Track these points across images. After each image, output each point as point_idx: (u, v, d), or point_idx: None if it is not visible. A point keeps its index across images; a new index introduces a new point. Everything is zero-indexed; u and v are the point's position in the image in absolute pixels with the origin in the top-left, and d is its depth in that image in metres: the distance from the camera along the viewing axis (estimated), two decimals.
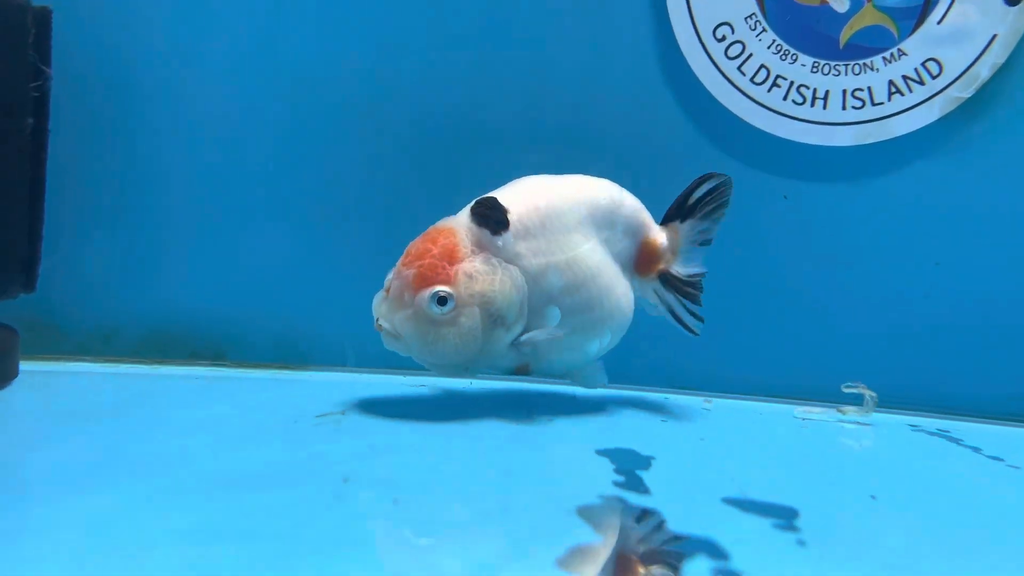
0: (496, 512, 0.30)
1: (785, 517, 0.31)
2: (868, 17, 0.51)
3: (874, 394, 0.49)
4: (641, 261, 0.46)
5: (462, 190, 0.44)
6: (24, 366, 0.46)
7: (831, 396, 0.50)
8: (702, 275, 0.47)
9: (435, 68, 0.53)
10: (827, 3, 0.51)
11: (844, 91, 0.51)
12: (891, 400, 0.51)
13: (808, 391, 0.52)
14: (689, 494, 0.34)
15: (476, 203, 0.43)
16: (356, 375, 0.52)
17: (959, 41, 0.50)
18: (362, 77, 0.53)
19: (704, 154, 0.52)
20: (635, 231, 0.46)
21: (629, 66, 0.52)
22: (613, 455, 0.37)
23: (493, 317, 0.41)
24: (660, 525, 0.29)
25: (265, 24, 0.53)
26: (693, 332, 0.47)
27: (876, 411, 0.49)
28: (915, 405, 0.52)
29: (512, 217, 0.42)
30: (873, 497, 0.35)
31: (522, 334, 0.42)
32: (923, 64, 0.50)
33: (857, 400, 0.49)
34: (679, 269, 0.47)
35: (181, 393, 0.46)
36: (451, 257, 0.41)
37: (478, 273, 0.41)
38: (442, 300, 0.40)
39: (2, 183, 0.43)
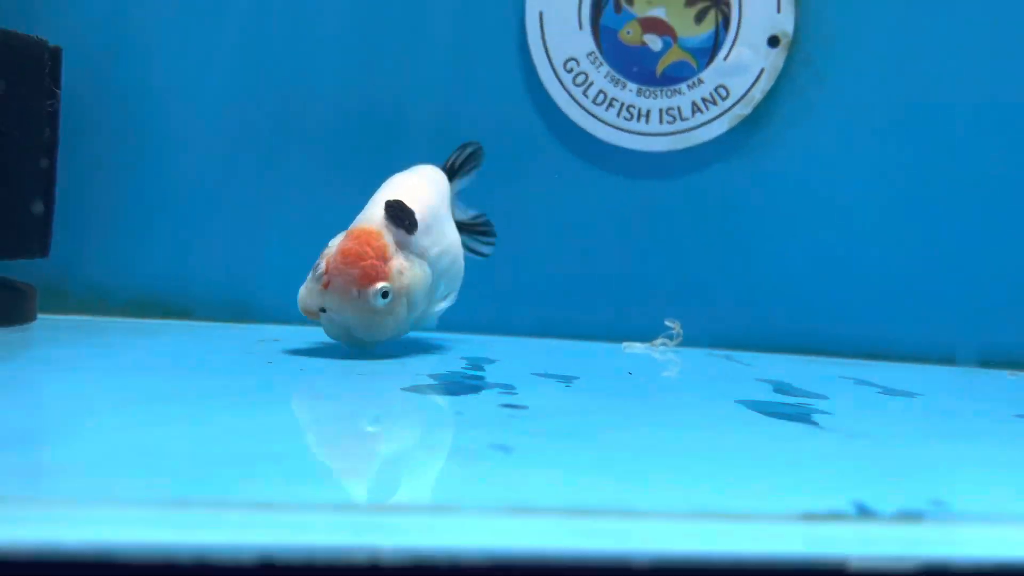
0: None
1: (567, 380, 0.47)
2: (675, 55, 0.68)
3: (680, 330, 0.66)
4: None
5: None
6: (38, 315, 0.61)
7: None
8: (482, 215, 0.61)
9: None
10: (645, 44, 0.68)
11: (660, 110, 0.69)
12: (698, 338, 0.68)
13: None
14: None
15: (389, 207, 0.50)
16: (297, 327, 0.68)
17: (739, 72, 0.68)
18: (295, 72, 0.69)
19: (558, 158, 0.69)
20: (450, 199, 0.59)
21: (501, 89, 0.69)
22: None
23: (413, 303, 0.50)
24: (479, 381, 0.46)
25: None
26: (485, 255, 0.61)
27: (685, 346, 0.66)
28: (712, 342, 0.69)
29: (420, 220, 0.51)
30: (630, 373, 0.51)
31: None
32: (715, 89, 0.68)
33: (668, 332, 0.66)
34: (461, 216, 0.60)
35: (161, 332, 0.61)
36: (384, 257, 0.48)
37: (405, 269, 0.49)
38: (385, 294, 0.47)
39: (26, 176, 0.57)
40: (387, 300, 0.48)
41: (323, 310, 0.48)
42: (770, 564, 0.24)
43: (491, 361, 0.53)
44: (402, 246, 0.50)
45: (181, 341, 0.58)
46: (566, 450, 0.32)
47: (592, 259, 0.69)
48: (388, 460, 0.31)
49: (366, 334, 0.49)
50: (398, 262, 0.49)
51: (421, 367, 0.49)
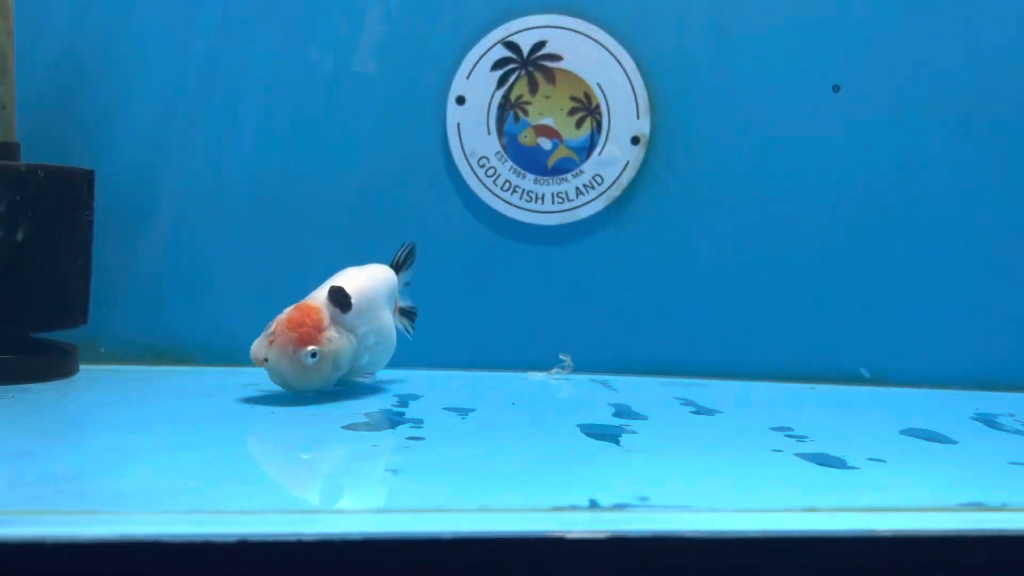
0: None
1: (464, 413, 0.65)
2: (561, 152, 0.86)
3: (570, 361, 0.84)
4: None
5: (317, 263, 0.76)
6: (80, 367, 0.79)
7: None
8: (415, 307, 0.75)
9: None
10: (539, 145, 0.86)
11: (552, 194, 0.86)
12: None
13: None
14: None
15: (331, 290, 0.63)
16: None
17: (610, 164, 0.85)
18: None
19: (476, 233, 0.85)
20: (396, 293, 0.72)
21: (430, 181, 0.84)
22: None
23: (336, 365, 0.63)
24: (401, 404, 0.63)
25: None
26: (409, 333, 0.74)
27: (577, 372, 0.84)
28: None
29: (354, 304, 0.64)
30: (513, 403, 0.69)
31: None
32: (593, 177, 0.86)
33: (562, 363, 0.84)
34: (404, 304, 0.74)
35: (172, 379, 0.78)
36: (318, 327, 0.61)
37: (334, 339, 0.62)
38: (314, 355, 0.60)
39: (71, 268, 0.75)
40: (315, 360, 0.60)
41: (266, 360, 0.61)
42: (523, 537, 0.42)
43: (416, 397, 0.70)
44: (336, 321, 0.63)
45: (186, 385, 0.75)
46: (431, 470, 0.50)
47: (504, 307, 0.86)
48: (313, 482, 0.49)
49: (295, 383, 0.62)
50: (329, 333, 0.62)
51: (361, 407, 0.65)
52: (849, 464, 0.54)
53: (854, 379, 0.85)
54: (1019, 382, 0.84)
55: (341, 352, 0.63)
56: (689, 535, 0.42)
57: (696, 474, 0.52)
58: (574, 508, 0.44)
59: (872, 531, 0.43)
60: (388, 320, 0.69)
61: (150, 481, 0.46)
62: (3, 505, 0.42)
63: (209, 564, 0.39)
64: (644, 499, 0.46)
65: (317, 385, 0.63)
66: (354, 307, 0.64)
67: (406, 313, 0.75)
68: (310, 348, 0.61)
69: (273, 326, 0.62)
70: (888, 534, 0.43)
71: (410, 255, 0.75)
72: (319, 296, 0.64)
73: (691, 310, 0.86)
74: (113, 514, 0.42)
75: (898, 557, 0.43)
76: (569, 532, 0.42)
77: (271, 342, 0.61)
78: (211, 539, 0.39)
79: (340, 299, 0.64)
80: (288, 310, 0.63)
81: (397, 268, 0.73)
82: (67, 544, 0.38)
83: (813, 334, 0.85)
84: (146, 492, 0.44)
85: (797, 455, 0.56)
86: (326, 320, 0.62)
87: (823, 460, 0.55)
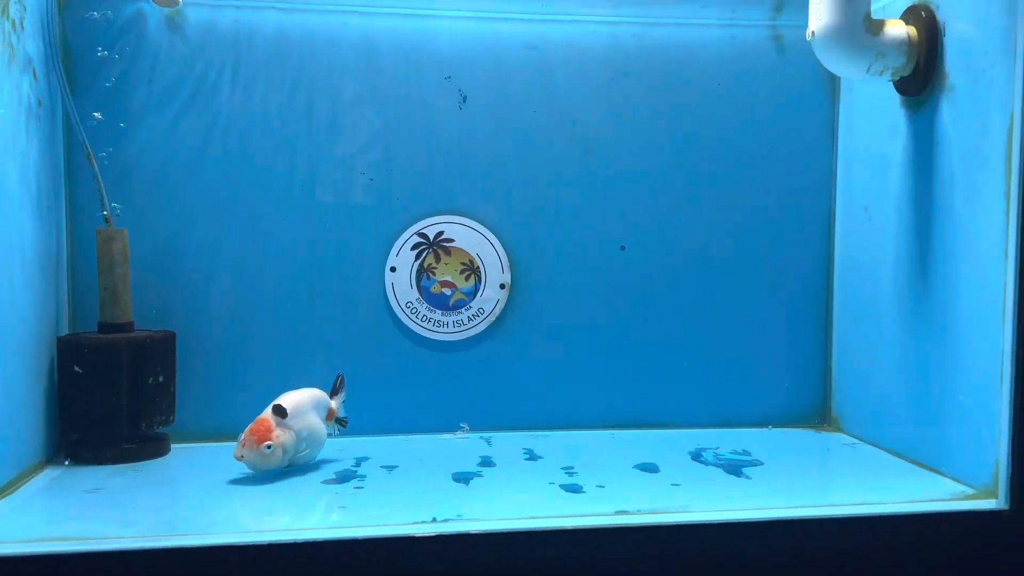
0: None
1: (391, 468, 1.08)
2: (457, 296, 1.28)
3: (467, 427, 1.28)
4: (328, 415, 0.97)
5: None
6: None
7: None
8: (346, 418, 1.01)
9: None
10: (443, 292, 1.30)
11: (453, 321, 1.29)
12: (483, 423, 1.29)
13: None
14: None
15: (274, 407, 0.89)
16: None
17: (488, 302, 1.29)
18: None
19: (406, 348, 1.28)
20: (327, 407, 0.96)
21: (375, 318, 1.28)
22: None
23: (285, 451, 0.88)
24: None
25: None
26: (344, 426, 1.02)
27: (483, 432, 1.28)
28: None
29: (288, 411, 0.89)
30: (420, 460, 1.13)
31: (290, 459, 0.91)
32: (478, 310, 1.28)
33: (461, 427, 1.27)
34: (341, 415, 0.99)
35: (226, 451, 1.22)
36: (269, 430, 0.88)
37: (281, 435, 0.88)
38: (269, 447, 0.86)
39: (165, 390, 1.19)
40: (270, 451, 0.88)
41: (242, 456, 0.88)
42: (394, 536, 0.85)
43: (367, 459, 1.13)
44: (280, 424, 0.90)
45: (225, 456, 1.15)
46: (361, 505, 0.94)
47: (425, 392, 1.17)
48: (300, 514, 0.92)
49: (261, 466, 0.89)
50: (277, 432, 0.89)
51: (334, 467, 1.07)
52: (583, 490, 0.97)
53: (641, 425, 1.29)
54: (746, 420, 1.28)
55: (286, 443, 0.90)
56: (473, 531, 0.86)
57: (493, 500, 0.95)
58: (423, 522, 0.88)
59: (561, 527, 0.86)
60: (316, 421, 0.96)
61: (227, 513, 0.90)
62: (153, 531, 0.86)
63: (256, 557, 0.82)
64: (460, 515, 0.89)
65: (274, 466, 0.90)
66: (289, 414, 0.91)
67: (340, 421, 1.03)
68: (266, 443, 0.89)
69: (243, 436, 0.90)
70: (569, 527, 0.87)
71: (342, 384, 1.03)
72: (268, 412, 0.91)
73: (538, 386, 1.26)
74: (209, 534, 0.86)
75: (572, 543, 0.82)
76: (416, 533, 0.85)
77: (243, 444, 0.89)
78: (256, 543, 0.83)
79: (278, 411, 0.91)
80: (251, 424, 0.91)
81: (335, 391, 1.01)
82: (186, 549, 0.82)
83: (611, 394, 1.29)
84: (226, 519, 0.88)
85: (560, 485, 0.99)
86: (273, 425, 0.90)
87: (571, 488, 0.98)
